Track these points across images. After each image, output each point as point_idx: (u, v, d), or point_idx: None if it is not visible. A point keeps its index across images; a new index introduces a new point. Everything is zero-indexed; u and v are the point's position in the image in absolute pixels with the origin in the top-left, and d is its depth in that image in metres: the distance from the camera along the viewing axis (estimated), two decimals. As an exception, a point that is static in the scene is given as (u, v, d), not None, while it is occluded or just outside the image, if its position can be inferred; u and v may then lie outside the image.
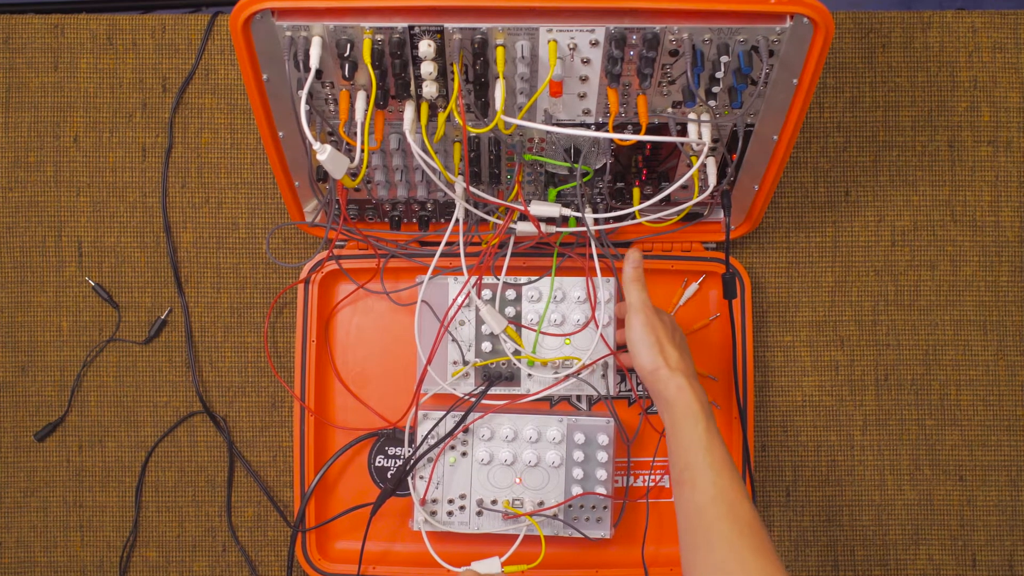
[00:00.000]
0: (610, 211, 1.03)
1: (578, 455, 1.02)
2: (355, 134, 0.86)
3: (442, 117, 0.87)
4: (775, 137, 0.92)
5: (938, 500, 1.12)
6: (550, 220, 0.99)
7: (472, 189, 0.96)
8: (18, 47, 1.13)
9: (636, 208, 0.99)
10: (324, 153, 0.82)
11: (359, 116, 0.85)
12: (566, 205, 1.00)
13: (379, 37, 0.80)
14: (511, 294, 1.03)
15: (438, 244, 1.00)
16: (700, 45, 0.81)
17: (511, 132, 0.93)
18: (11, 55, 1.13)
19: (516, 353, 1.02)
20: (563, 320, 1.03)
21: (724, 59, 0.81)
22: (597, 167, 0.98)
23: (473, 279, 1.01)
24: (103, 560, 1.11)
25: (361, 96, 0.85)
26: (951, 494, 1.12)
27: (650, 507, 1.07)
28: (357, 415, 1.08)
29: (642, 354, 0.89)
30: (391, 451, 1.08)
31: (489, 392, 1.02)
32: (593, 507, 1.03)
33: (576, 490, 1.02)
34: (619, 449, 1.06)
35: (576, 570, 1.06)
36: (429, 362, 1.01)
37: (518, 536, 1.02)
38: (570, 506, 1.03)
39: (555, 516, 1.02)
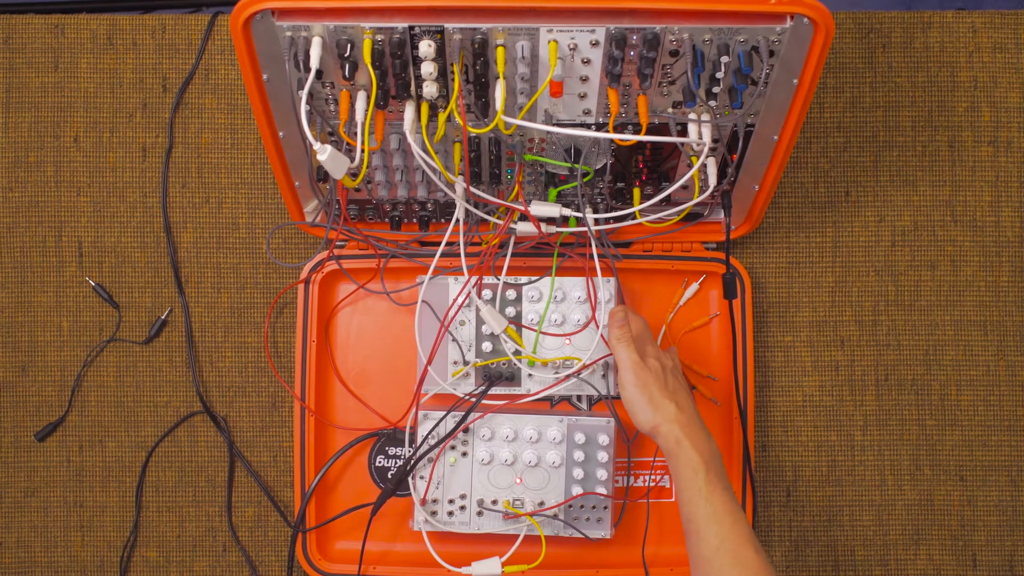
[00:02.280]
0: (610, 211, 1.03)
1: (578, 455, 1.02)
2: (355, 134, 0.85)
3: (442, 117, 0.87)
4: (775, 137, 0.92)
5: (938, 500, 1.12)
6: (550, 220, 0.99)
7: (472, 189, 0.96)
8: (18, 47, 1.13)
9: (636, 208, 0.99)
10: (324, 153, 0.82)
11: (359, 116, 0.85)
12: (566, 205, 1.00)
13: (379, 37, 0.80)
14: (511, 294, 1.03)
15: (438, 244, 1.00)
16: (700, 45, 0.81)
17: (511, 132, 0.93)
18: (11, 55, 1.13)
19: (516, 353, 1.02)
20: (563, 320, 1.03)
21: (724, 59, 0.81)
22: (597, 167, 0.98)
23: (473, 279, 1.01)
24: (103, 560, 1.11)
25: (361, 96, 0.85)
26: (951, 494, 1.12)
27: (650, 507, 1.07)
28: (357, 415, 1.08)
29: (637, 414, 0.89)
30: (391, 451, 1.08)
31: (489, 392, 1.02)
32: (593, 507, 1.03)
33: (576, 490, 1.02)
34: (619, 449, 1.06)
35: (576, 570, 1.06)
36: (429, 362, 1.01)
37: (518, 536, 1.02)
38: (570, 506, 1.03)
39: (555, 516, 1.02)
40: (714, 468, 0.85)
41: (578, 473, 1.02)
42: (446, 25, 0.79)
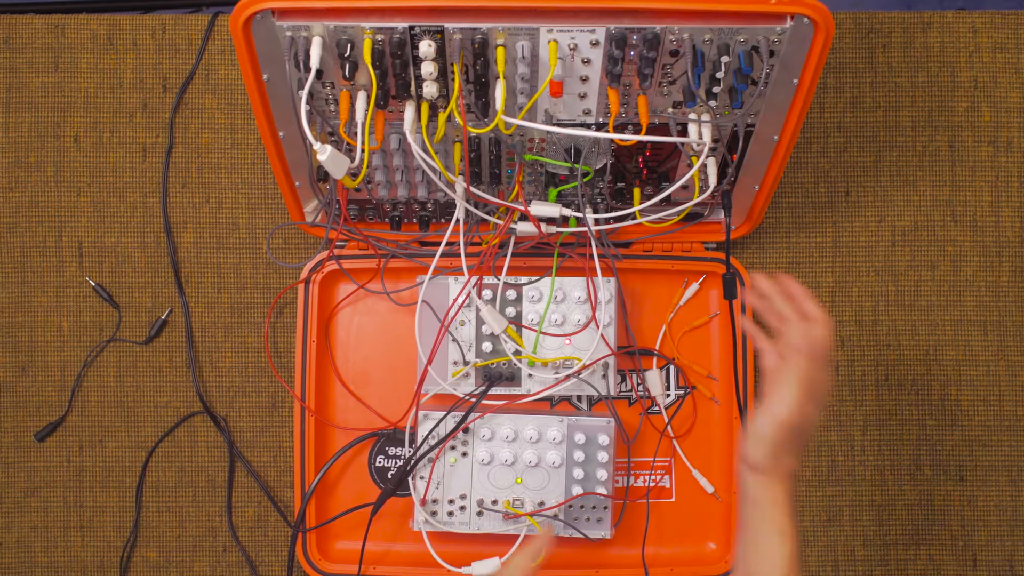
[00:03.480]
0: (610, 211, 1.03)
1: (578, 455, 1.02)
2: (355, 134, 0.85)
3: (442, 117, 0.87)
4: (775, 137, 0.92)
5: (938, 500, 1.12)
6: (550, 220, 0.99)
7: (472, 189, 0.96)
8: (18, 47, 1.13)
9: (636, 208, 0.99)
10: (324, 153, 0.82)
11: (359, 116, 0.85)
12: (566, 205, 1.00)
13: (379, 37, 0.80)
14: (511, 294, 1.03)
15: (438, 244, 1.00)
16: (700, 45, 0.81)
17: (511, 132, 0.93)
18: (11, 55, 1.13)
19: (516, 353, 1.02)
20: (563, 320, 1.03)
21: (724, 59, 0.81)
22: (597, 167, 0.98)
23: (473, 279, 1.01)
24: (103, 560, 1.11)
25: (361, 96, 0.85)
26: (951, 494, 1.12)
27: (650, 507, 1.07)
28: (357, 415, 1.08)
29: (757, 448, 0.79)
30: (391, 451, 1.08)
31: (490, 392, 1.02)
32: (593, 507, 1.03)
33: (576, 490, 1.02)
34: (619, 449, 1.06)
35: (576, 570, 1.06)
36: (430, 362, 1.01)
37: (518, 536, 1.02)
38: (570, 506, 1.03)
39: (555, 516, 1.02)
40: (797, 536, 0.78)
41: (578, 473, 1.02)
42: (446, 25, 0.79)
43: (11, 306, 1.12)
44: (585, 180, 0.98)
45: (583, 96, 0.88)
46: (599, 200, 1.03)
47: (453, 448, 1.03)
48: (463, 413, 1.02)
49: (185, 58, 1.13)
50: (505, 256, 1.02)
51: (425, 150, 0.89)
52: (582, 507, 1.03)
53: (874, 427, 1.12)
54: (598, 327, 1.01)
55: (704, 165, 0.94)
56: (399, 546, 1.08)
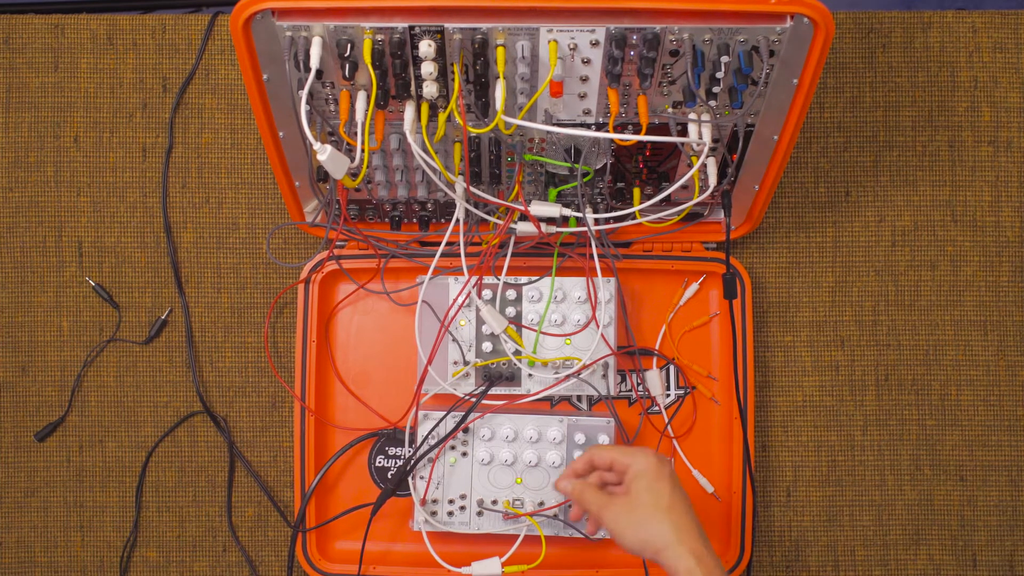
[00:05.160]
0: (610, 211, 1.03)
1: (578, 455, 1.02)
2: (355, 134, 0.86)
3: (442, 117, 0.87)
4: (775, 137, 0.92)
5: (938, 500, 1.12)
6: (550, 220, 0.99)
7: (472, 189, 0.96)
8: (18, 47, 1.13)
9: (636, 208, 0.99)
10: (324, 153, 0.82)
11: (359, 116, 0.85)
12: (566, 205, 1.00)
13: (379, 37, 0.80)
14: (511, 294, 1.03)
15: (438, 244, 1.00)
16: (700, 45, 0.81)
17: (511, 132, 0.93)
18: (11, 55, 1.13)
19: (516, 353, 1.02)
20: (563, 320, 1.03)
21: (724, 59, 0.81)
22: (597, 167, 0.98)
23: (473, 279, 1.01)
24: (103, 560, 1.11)
25: (361, 96, 0.85)
26: (951, 494, 1.12)
27: (650, 507, 1.07)
28: (357, 415, 1.08)
29: (644, 550, 0.83)
30: (391, 451, 1.08)
31: (490, 392, 1.02)
32: (593, 507, 1.03)
33: (576, 490, 1.02)
34: (619, 449, 1.06)
35: (576, 570, 1.06)
36: (429, 362, 1.01)
37: (518, 536, 1.02)
38: (570, 506, 1.03)
39: (555, 516, 1.02)
40: None
41: (578, 473, 1.02)
42: (446, 25, 0.80)
43: (11, 306, 1.12)
44: (585, 180, 0.98)
45: (583, 96, 0.88)
46: (599, 200, 1.03)
47: (453, 448, 1.03)
48: (463, 413, 1.02)
49: (185, 58, 1.13)
50: (505, 256, 1.02)
51: (425, 150, 0.89)
52: (582, 507, 1.03)
53: (874, 427, 1.12)
54: (598, 327, 1.01)
55: (704, 165, 0.94)
56: (399, 546, 1.08)
